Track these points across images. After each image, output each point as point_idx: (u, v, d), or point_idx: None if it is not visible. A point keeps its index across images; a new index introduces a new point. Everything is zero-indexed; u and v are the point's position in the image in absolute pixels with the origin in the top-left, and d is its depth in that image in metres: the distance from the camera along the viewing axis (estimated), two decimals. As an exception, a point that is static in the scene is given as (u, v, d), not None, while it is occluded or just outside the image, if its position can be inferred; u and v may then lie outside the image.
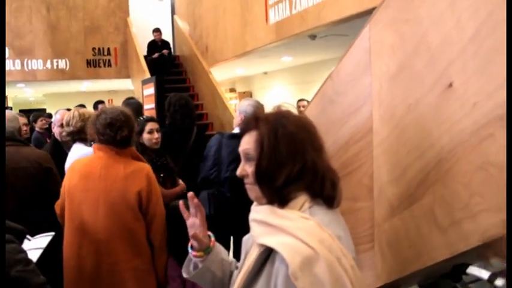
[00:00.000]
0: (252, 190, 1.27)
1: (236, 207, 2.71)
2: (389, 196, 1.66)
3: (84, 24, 11.50)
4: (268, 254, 1.18)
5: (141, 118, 3.56)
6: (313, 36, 6.73)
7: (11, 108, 12.89)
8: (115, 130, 2.42)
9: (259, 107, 3.29)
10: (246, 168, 1.28)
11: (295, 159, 1.20)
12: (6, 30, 10.87)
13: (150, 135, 3.38)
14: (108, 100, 13.32)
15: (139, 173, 2.42)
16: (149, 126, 3.40)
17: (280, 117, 1.25)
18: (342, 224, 1.25)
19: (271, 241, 1.15)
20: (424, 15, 1.47)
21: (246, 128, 1.30)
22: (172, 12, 13.14)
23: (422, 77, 1.48)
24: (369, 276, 1.78)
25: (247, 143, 1.27)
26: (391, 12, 1.65)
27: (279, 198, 1.21)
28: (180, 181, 3.47)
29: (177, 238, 2.51)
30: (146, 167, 2.47)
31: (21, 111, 11.27)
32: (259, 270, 1.19)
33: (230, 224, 3.21)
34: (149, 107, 7.23)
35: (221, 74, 11.09)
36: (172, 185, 3.41)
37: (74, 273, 2.37)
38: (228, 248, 3.47)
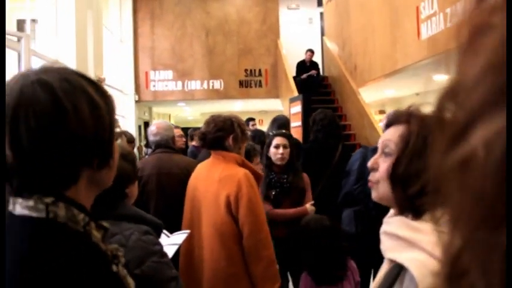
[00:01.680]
0: (377, 188, 1.16)
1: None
2: None
3: (238, 47, 12.21)
4: (399, 270, 1.04)
5: (271, 133, 3.60)
6: (472, 51, 6.19)
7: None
8: (201, 135, 2.62)
9: None
10: (379, 161, 1.16)
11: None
12: (171, 55, 12.08)
13: (275, 150, 3.36)
14: (259, 120, 13.88)
15: (233, 177, 2.43)
16: (276, 140, 3.38)
17: None
18: None
19: (401, 257, 1.01)
20: None
21: (394, 120, 1.18)
22: (322, 34, 13.28)
23: None
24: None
25: (391, 135, 1.15)
26: None
27: (411, 207, 1.07)
28: (308, 204, 3.32)
29: (310, 257, 2.44)
30: (241, 173, 2.44)
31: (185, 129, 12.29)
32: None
33: (376, 243, 3.01)
34: (296, 125, 7.31)
35: (370, 95, 10.82)
36: (294, 205, 3.31)
37: (185, 265, 2.51)
38: (376, 266, 3.28)
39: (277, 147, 3.36)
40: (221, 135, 2.54)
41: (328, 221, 2.51)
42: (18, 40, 5.18)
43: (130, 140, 4.26)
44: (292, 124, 7.40)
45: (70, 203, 0.82)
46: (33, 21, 6.60)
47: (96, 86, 0.87)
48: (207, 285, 2.41)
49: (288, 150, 3.36)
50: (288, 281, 3.42)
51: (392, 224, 1.10)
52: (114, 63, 10.58)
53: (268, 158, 3.40)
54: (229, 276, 2.41)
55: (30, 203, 0.79)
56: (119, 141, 3.87)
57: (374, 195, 1.18)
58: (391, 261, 1.06)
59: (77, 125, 0.80)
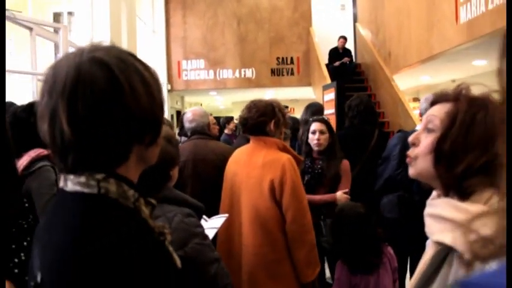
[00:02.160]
0: (415, 164, 1.13)
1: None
2: None
3: (269, 35, 12.17)
4: (446, 254, 1.01)
5: (311, 118, 3.53)
6: (513, 34, 5.97)
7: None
8: (243, 120, 2.58)
9: None
10: (421, 137, 1.13)
11: (486, 150, 1.01)
12: (203, 44, 12.13)
13: (312, 135, 3.34)
14: (290, 109, 13.81)
15: (276, 162, 2.41)
16: (313, 126, 3.36)
17: (487, 102, 1.07)
18: None
19: (449, 238, 0.97)
20: None
21: (441, 97, 1.14)
22: (355, 20, 13.08)
23: None
24: None
25: (437, 111, 1.11)
26: None
27: (458, 187, 1.03)
28: (340, 192, 3.23)
29: (345, 244, 2.42)
30: (285, 157, 2.43)
31: (218, 118, 12.36)
32: (435, 273, 1.02)
33: (419, 229, 2.95)
34: (329, 112, 7.24)
35: (404, 83, 10.61)
36: (327, 192, 3.27)
37: (224, 250, 2.49)
38: (418, 253, 3.22)
39: (314, 132, 3.34)
40: (263, 120, 2.53)
41: (363, 208, 2.48)
42: (56, 31, 5.30)
43: (169, 126, 4.32)
44: (326, 112, 7.33)
45: (120, 179, 0.83)
46: (70, 13, 6.74)
47: (145, 65, 0.88)
48: (248, 271, 2.42)
49: (326, 136, 3.33)
50: (323, 268, 3.40)
51: (439, 206, 1.06)
52: (147, 53, 10.71)
53: (308, 144, 3.40)
54: (272, 261, 2.41)
55: (82, 179, 0.81)
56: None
57: (411, 171, 1.15)
58: (438, 244, 1.03)
59: (133, 102, 0.81)
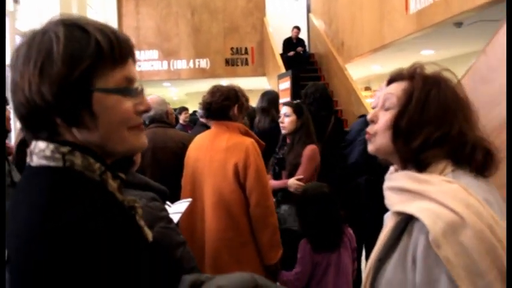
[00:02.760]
0: (374, 140, 1.19)
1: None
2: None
3: (224, 25, 12.11)
4: (405, 224, 1.06)
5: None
6: (459, 24, 6.21)
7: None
8: (207, 103, 2.57)
9: None
10: (379, 114, 1.19)
11: (440, 124, 1.09)
12: (156, 35, 11.93)
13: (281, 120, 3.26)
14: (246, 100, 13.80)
15: (240, 145, 2.45)
16: (281, 110, 3.31)
17: (440, 79, 1.14)
18: (495, 193, 1.07)
19: (410, 208, 1.03)
20: None
21: (397, 76, 1.21)
22: (308, 11, 13.21)
23: None
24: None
25: (393, 89, 1.18)
26: None
27: (415, 160, 1.10)
28: (292, 179, 3.12)
29: (310, 223, 2.49)
30: (248, 141, 2.48)
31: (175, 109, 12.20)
32: (395, 243, 1.08)
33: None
34: (285, 101, 7.32)
35: (356, 72, 10.85)
36: (289, 177, 3.18)
37: (186, 236, 2.48)
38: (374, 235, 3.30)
39: (280, 116, 3.28)
40: (227, 104, 2.54)
41: (327, 188, 2.55)
42: (2, 19, 5.09)
43: None
44: (281, 100, 7.41)
45: (86, 152, 0.83)
46: (16, 1, 6.45)
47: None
48: (212, 256, 2.44)
49: (290, 119, 3.20)
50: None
51: (397, 179, 1.12)
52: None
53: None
54: (237, 245, 2.44)
55: (47, 152, 0.81)
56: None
57: (370, 147, 1.21)
58: (398, 215, 1.09)
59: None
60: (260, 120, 4.19)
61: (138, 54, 11.84)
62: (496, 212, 0.99)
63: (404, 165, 1.14)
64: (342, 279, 2.45)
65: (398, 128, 1.12)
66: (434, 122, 1.09)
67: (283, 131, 3.24)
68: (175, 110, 7.39)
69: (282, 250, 2.53)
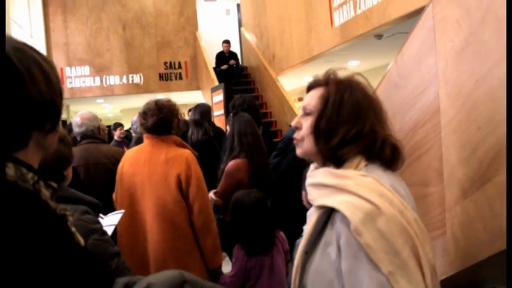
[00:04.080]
0: (301, 145, 1.29)
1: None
2: (460, 177, 1.60)
3: (156, 40, 12.06)
4: (327, 217, 1.17)
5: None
6: (379, 36, 6.62)
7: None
8: (146, 118, 2.60)
9: None
10: (301, 121, 1.30)
11: (354, 123, 1.21)
12: (87, 50, 11.65)
13: None
14: (181, 114, 13.73)
15: (179, 157, 2.54)
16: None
17: (351, 83, 1.27)
18: (402, 183, 1.22)
19: (330, 201, 1.14)
20: (488, -18, 1.43)
21: (314, 84, 1.33)
22: (239, 25, 13.42)
23: (490, 48, 1.43)
24: (441, 264, 1.72)
25: (311, 99, 1.29)
26: (454, -15, 1.62)
27: (334, 157, 1.21)
28: (210, 193, 3.22)
29: (244, 229, 2.57)
30: (186, 152, 2.58)
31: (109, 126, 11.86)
32: (319, 235, 1.19)
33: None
34: (219, 113, 7.41)
35: (289, 84, 11.14)
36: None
37: (128, 249, 2.51)
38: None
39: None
40: (172, 118, 2.62)
41: (258, 193, 2.64)
42: None
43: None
44: (216, 113, 7.50)
45: (19, 163, 0.85)
46: None
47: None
48: (157, 266, 2.46)
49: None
50: None
51: (317, 176, 1.23)
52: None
53: None
54: (184, 253, 2.50)
55: None
56: None
57: (299, 151, 1.32)
58: (320, 208, 1.19)
59: (32, 89, 0.84)
60: (193, 132, 4.24)
61: (68, 70, 11.58)
62: (404, 198, 1.12)
63: (324, 163, 1.25)
64: (275, 280, 2.54)
65: (319, 130, 1.24)
66: (350, 122, 1.21)
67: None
68: (109, 126, 7.25)
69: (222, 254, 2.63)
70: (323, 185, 1.19)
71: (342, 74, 1.32)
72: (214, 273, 2.61)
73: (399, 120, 1.98)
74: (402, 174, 1.34)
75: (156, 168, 2.53)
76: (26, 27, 10.67)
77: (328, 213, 1.17)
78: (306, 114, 1.29)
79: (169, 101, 2.67)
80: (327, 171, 1.21)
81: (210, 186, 3.71)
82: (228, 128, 3.35)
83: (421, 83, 1.84)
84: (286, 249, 2.68)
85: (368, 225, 1.05)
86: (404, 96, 1.97)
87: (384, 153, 1.20)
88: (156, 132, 2.62)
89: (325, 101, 1.24)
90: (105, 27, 11.78)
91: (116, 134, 7.35)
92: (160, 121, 2.59)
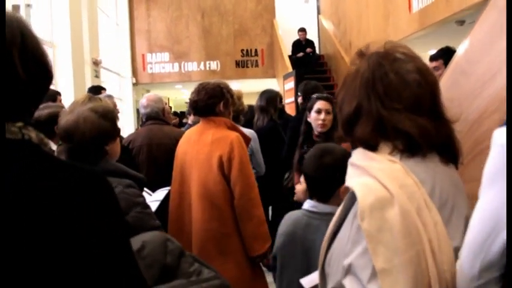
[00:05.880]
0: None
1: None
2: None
3: (234, 27, 12.22)
4: (355, 196, 1.11)
5: (315, 96, 3.14)
6: (461, 22, 6.20)
7: (170, 108, 14.08)
8: (193, 102, 2.66)
9: None
10: None
11: (352, 100, 1.18)
12: (167, 37, 12.07)
13: (317, 115, 2.97)
14: (165, 102, 13.79)
15: (225, 139, 2.52)
16: (318, 104, 2.98)
17: (380, 58, 1.20)
18: (446, 183, 1.10)
19: (353, 182, 1.09)
20: None
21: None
22: (318, 12, 13.24)
23: None
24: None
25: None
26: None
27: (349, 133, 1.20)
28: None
29: None
30: (233, 135, 2.55)
31: (178, 113, 12.25)
32: (346, 213, 1.13)
33: None
34: (289, 101, 7.37)
35: (365, 72, 10.85)
36: None
37: (176, 227, 2.58)
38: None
39: (319, 112, 2.98)
40: (212, 101, 2.61)
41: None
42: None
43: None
44: (287, 100, 7.46)
45: (36, 127, 0.86)
46: (28, 6, 6.59)
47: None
48: (198, 246, 2.50)
49: (331, 116, 2.97)
50: None
51: (354, 155, 1.18)
52: (111, 46, 10.60)
53: (308, 124, 3.05)
54: (221, 235, 2.50)
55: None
56: (103, 95, 3.89)
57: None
58: (349, 188, 1.14)
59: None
60: (259, 118, 4.24)
61: (149, 57, 12.06)
62: (436, 201, 1.02)
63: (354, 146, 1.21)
64: None
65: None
66: (350, 98, 1.21)
67: (320, 129, 2.97)
68: (183, 112, 7.42)
69: (271, 242, 2.56)
70: (354, 165, 1.15)
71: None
72: (257, 261, 2.58)
73: (466, 108, 1.84)
74: (465, 168, 1.24)
75: (203, 148, 2.56)
76: (112, 15, 11.23)
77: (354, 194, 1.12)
78: None
79: (216, 84, 2.67)
80: (362, 151, 1.15)
81: (274, 171, 3.73)
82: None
83: (490, 69, 1.70)
84: None
85: (375, 212, 0.97)
86: (472, 83, 1.84)
87: (418, 140, 1.09)
88: (201, 114, 2.66)
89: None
90: (185, 14, 12.11)
91: (190, 119, 7.53)
92: (204, 104, 2.61)
